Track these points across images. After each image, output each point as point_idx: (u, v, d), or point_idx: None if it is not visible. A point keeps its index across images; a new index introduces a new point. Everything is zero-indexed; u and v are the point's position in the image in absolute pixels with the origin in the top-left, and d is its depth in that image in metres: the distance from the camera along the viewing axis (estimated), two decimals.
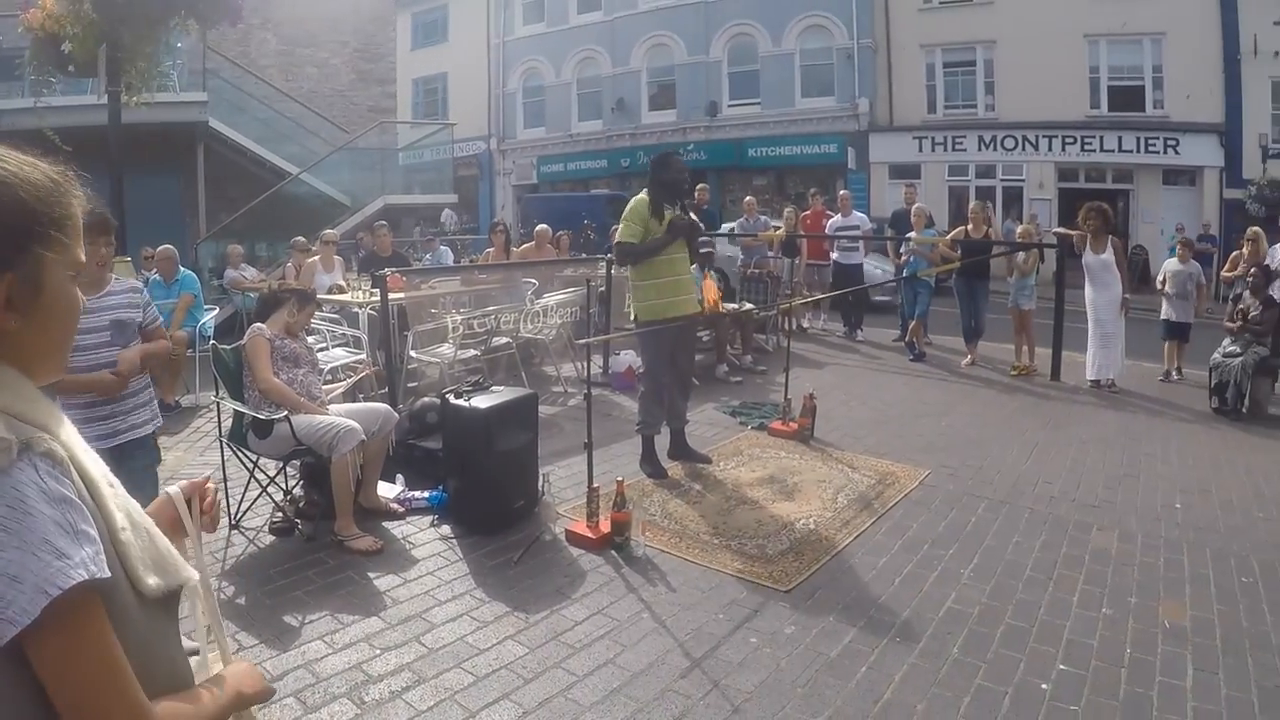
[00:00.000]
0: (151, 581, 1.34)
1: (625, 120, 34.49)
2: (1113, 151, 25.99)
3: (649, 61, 34.29)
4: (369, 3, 24.66)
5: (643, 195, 7.12)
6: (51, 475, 1.22)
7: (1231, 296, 11.10)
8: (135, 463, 4.40)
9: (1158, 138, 25.40)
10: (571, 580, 5.18)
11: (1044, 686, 4.08)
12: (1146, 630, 4.65)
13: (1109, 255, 10.87)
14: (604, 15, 35.19)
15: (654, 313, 7.02)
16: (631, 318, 7.08)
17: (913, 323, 12.94)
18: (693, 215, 7.46)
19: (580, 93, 36.39)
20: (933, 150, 28.68)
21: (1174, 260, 11.67)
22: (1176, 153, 25.25)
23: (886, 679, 4.13)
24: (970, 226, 12.45)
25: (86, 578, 1.18)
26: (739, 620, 4.69)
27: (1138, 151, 25.59)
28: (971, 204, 13.34)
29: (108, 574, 1.23)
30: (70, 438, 1.33)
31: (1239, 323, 10.16)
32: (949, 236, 13.01)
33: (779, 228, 15.27)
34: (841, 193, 16.22)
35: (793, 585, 5.14)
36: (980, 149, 27.93)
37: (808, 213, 15.72)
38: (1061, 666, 4.27)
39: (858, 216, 15.33)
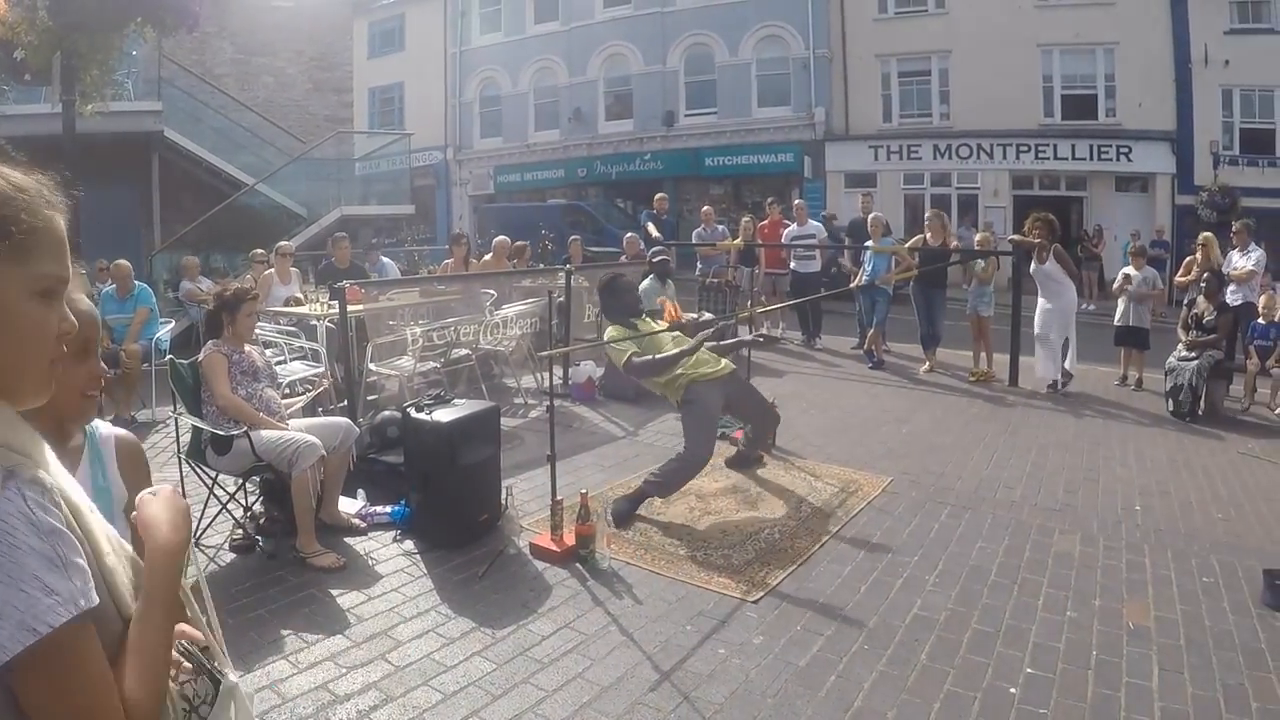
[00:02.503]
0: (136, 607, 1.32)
1: (582, 130, 34.42)
2: (1066, 159, 26.22)
3: (606, 71, 34.26)
4: (326, 11, 24.49)
5: (611, 328, 7.03)
6: (40, 505, 1.18)
7: (1185, 302, 11.23)
8: None
9: (1110, 145, 25.68)
10: (537, 594, 5.15)
11: (1012, 690, 4.10)
12: (1111, 632, 4.69)
13: (1051, 266, 11.03)
14: (561, 25, 35.13)
15: (690, 382, 6.72)
16: (676, 402, 6.87)
17: (871, 330, 13.00)
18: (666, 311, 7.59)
19: (537, 102, 36.28)
20: (888, 159, 28.80)
21: (1129, 269, 11.78)
22: (1129, 160, 25.52)
23: (856, 687, 4.13)
24: (929, 234, 12.56)
25: (75, 613, 1.16)
26: (707, 631, 4.68)
27: (1091, 159, 25.87)
28: (928, 212, 13.48)
29: (96, 600, 1.21)
30: (53, 463, 1.29)
31: (1191, 334, 10.32)
32: (908, 245, 13.10)
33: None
34: (797, 202, 16.26)
35: (760, 595, 5.13)
36: (935, 157, 28.11)
37: (765, 222, 15.79)
38: (1029, 670, 4.29)
39: (814, 225, 15.37)
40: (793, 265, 14.95)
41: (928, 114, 28.94)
